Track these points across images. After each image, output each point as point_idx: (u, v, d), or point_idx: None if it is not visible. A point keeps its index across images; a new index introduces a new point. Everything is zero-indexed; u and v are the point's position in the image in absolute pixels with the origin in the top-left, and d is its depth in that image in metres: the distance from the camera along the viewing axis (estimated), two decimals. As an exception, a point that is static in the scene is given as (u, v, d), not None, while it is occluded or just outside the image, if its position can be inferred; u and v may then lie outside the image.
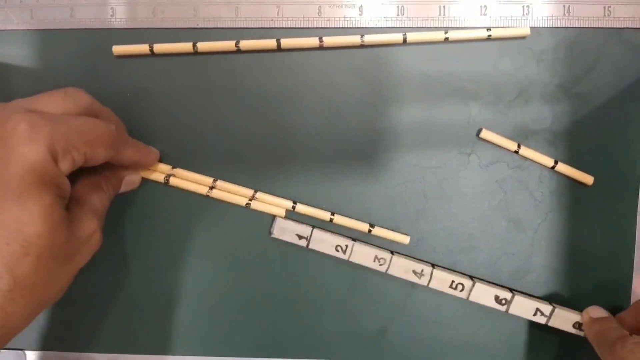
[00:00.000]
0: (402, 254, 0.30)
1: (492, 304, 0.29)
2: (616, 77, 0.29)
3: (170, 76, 0.30)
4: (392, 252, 0.29)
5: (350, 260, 0.29)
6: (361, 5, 0.29)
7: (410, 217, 0.30)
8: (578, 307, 0.30)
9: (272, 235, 0.29)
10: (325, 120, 0.30)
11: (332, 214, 0.30)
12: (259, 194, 0.30)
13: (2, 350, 0.32)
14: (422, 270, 0.29)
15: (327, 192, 0.30)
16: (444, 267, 0.30)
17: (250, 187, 0.30)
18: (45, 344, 0.31)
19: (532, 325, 0.30)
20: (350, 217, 0.30)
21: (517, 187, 0.30)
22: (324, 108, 0.30)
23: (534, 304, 0.29)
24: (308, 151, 0.30)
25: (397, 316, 0.30)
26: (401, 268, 0.29)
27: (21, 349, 0.32)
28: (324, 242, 0.29)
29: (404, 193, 0.30)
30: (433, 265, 0.29)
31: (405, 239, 0.30)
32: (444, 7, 0.29)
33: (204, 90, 0.30)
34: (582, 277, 0.30)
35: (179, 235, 0.30)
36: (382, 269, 0.29)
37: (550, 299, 0.30)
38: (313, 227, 0.29)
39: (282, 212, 0.30)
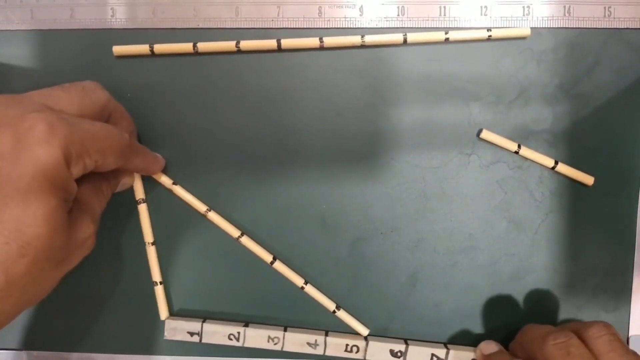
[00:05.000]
0: (295, 327, 0.30)
1: (389, 359, 0.29)
2: (616, 77, 0.29)
3: (170, 76, 0.30)
4: (284, 329, 0.30)
5: (245, 345, 0.29)
6: (361, 6, 0.29)
7: (410, 217, 0.30)
8: (577, 308, 0.30)
9: (165, 337, 0.30)
10: (325, 121, 0.30)
11: (305, 282, 0.30)
12: (244, 238, 0.30)
13: (1, 351, 0.32)
14: (315, 341, 0.29)
15: (327, 192, 0.30)
16: (337, 332, 0.30)
17: (249, 188, 0.30)
18: (45, 344, 0.31)
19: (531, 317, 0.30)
20: (321, 291, 0.30)
21: (517, 188, 0.30)
22: (324, 108, 0.30)
23: (429, 350, 0.29)
24: (308, 151, 0.30)
25: (397, 316, 0.30)
26: (296, 343, 0.29)
27: (21, 349, 0.32)
28: (217, 334, 0.29)
29: (404, 193, 0.30)
30: (326, 333, 0.30)
31: (364, 331, 0.30)
32: (444, 7, 0.29)
33: (205, 91, 0.30)
34: (582, 277, 0.30)
35: (178, 235, 0.30)
36: (277, 347, 0.29)
37: (550, 299, 0.30)
38: (203, 320, 0.30)
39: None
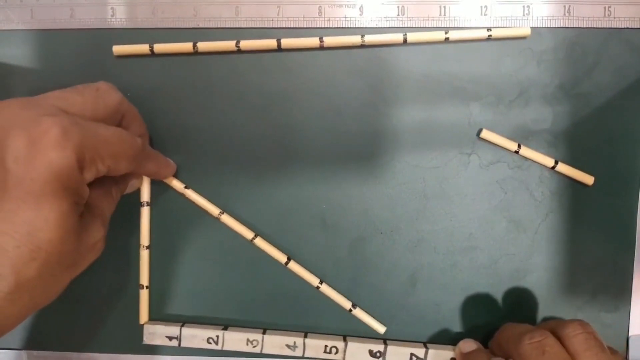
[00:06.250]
0: (276, 330, 0.30)
1: (368, 359, 0.29)
2: (616, 77, 0.29)
3: (170, 76, 0.30)
4: (263, 332, 0.30)
5: (223, 349, 0.29)
6: (362, 5, 0.29)
7: (410, 217, 0.30)
8: (577, 308, 0.30)
9: (144, 342, 0.30)
10: (325, 120, 0.30)
11: (321, 282, 0.30)
12: (258, 240, 0.30)
13: (1, 351, 0.32)
14: (294, 343, 0.29)
15: (327, 192, 0.30)
16: (316, 332, 0.30)
17: (249, 188, 0.30)
18: (45, 344, 0.31)
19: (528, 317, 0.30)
20: (337, 291, 0.30)
21: (517, 188, 0.30)
22: (324, 108, 0.30)
23: (408, 350, 0.29)
24: (308, 151, 0.30)
25: (397, 316, 0.30)
26: (275, 345, 0.29)
27: (21, 349, 0.32)
28: (196, 337, 0.29)
29: (405, 193, 0.30)
30: (305, 335, 0.30)
31: (381, 329, 0.30)
32: (444, 7, 0.29)
33: (205, 91, 0.30)
34: (583, 277, 0.30)
35: (179, 235, 0.30)
36: (256, 350, 0.29)
37: (550, 298, 0.30)
38: (182, 324, 0.30)
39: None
